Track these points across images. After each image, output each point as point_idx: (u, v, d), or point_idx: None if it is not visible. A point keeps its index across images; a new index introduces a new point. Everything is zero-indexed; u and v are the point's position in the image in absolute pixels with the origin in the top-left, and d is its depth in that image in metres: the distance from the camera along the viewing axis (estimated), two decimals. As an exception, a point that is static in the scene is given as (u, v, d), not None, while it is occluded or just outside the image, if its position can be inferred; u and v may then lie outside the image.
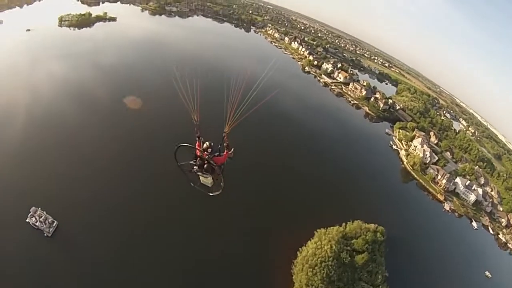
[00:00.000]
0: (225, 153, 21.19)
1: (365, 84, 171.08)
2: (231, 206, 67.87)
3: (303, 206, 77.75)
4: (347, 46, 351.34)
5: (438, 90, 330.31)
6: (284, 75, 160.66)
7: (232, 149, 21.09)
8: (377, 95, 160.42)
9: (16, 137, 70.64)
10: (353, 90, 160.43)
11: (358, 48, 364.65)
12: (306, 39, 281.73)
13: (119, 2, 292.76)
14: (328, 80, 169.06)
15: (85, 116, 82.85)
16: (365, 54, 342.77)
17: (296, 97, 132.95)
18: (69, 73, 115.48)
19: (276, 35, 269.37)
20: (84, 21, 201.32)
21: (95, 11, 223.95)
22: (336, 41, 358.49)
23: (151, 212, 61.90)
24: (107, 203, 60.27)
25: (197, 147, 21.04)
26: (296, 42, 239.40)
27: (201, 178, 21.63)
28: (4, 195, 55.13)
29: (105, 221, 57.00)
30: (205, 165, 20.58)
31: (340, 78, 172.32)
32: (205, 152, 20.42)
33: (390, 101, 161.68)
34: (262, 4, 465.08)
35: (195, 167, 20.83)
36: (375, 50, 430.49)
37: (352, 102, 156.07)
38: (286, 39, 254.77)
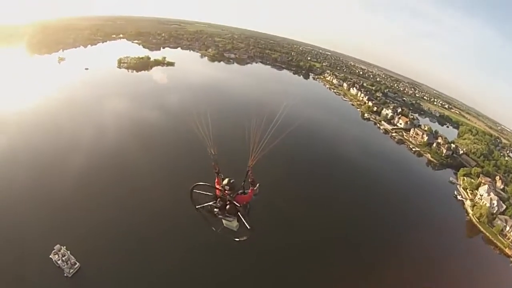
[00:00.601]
0: (250, 190, 19.05)
1: (426, 129, 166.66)
2: (263, 254, 62.46)
3: (354, 261, 68.64)
4: (406, 89, 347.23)
5: (499, 128, 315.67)
6: (343, 122, 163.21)
7: (258, 185, 19.14)
8: (439, 140, 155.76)
9: (63, 170, 75.55)
10: (414, 136, 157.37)
11: (417, 91, 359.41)
12: (364, 84, 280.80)
13: (179, 48, 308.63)
14: (388, 127, 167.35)
15: (132, 155, 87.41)
16: (424, 97, 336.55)
17: (355, 144, 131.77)
18: (117, 109, 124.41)
19: (335, 81, 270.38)
20: (143, 64, 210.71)
21: (155, 55, 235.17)
22: (395, 85, 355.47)
23: (171, 262, 58.46)
24: (130, 251, 58.48)
25: (216, 185, 18.93)
26: (354, 88, 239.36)
27: (224, 221, 19.23)
28: (37, 226, 57.27)
29: (126, 270, 55.73)
30: (228, 206, 18.12)
31: (400, 124, 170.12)
32: (226, 191, 17.97)
33: (453, 145, 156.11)
34: (320, 51, 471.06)
35: (215, 209, 18.44)
36: (434, 92, 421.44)
37: (413, 149, 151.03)
38: (345, 85, 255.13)
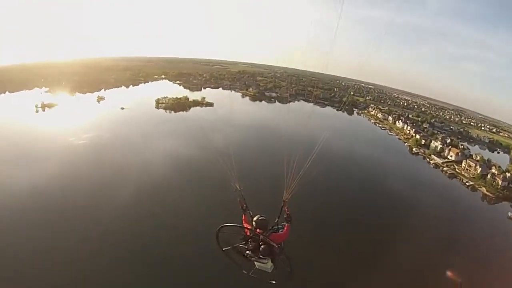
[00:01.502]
0: (285, 227, 18.15)
1: (478, 159, 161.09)
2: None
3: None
4: (452, 117, 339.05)
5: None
6: (390, 157, 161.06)
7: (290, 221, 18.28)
8: (494, 170, 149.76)
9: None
10: (467, 169, 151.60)
11: (463, 117, 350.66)
12: (410, 116, 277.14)
13: (220, 88, 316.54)
14: (439, 161, 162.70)
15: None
16: (471, 123, 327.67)
17: (404, 180, 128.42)
18: (143, 147, 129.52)
19: (379, 115, 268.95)
20: (181, 105, 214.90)
21: (195, 96, 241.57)
22: (441, 113, 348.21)
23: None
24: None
25: (244, 224, 18.14)
26: (400, 121, 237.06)
27: (256, 263, 17.74)
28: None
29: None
30: (262, 247, 16.72)
31: (451, 156, 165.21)
32: (258, 230, 17.08)
33: (508, 174, 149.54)
34: (363, 84, 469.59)
35: (247, 251, 17.14)
36: (480, 116, 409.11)
37: (467, 183, 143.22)
38: (390, 118, 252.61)
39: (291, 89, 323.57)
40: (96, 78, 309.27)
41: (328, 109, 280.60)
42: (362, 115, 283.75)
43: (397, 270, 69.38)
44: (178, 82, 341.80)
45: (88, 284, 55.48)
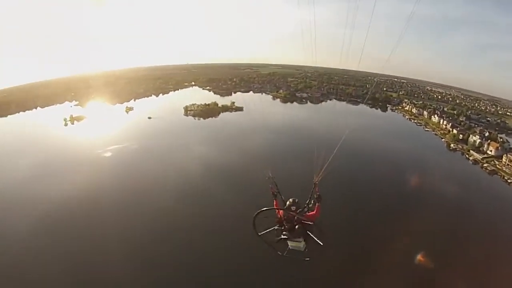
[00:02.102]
0: (317, 206, 19.99)
1: None
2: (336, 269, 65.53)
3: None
4: (488, 107, 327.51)
5: None
6: (428, 155, 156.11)
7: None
8: None
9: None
10: (508, 164, 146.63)
11: (499, 108, 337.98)
12: (445, 109, 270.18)
13: (251, 92, 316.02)
14: (478, 157, 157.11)
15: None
16: (508, 113, 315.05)
17: (443, 178, 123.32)
18: (166, 154, 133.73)
19: (414, 110, 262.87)
20: (210, 111, 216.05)
21: (225, 101, 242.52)
22: (476, 104, 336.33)
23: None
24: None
25: (275, 206, 19.79)
26: (436, 115, 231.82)
27: (289, 243, 19.47)
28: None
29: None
30: (296, 227, 18.64)
31: (491, 151, 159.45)
32: (292, 211, 18.82)
33: None
34: (395, 79, 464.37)
35: (283, 232, 19.05)
36: None
37: (509, 180, 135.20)
38: (425, 113, 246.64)
39: (322, 88, 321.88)
40: (126, 89, 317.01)
41: (361, 106, 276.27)
42: (396, 111, 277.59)
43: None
44: (208, 88, 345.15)
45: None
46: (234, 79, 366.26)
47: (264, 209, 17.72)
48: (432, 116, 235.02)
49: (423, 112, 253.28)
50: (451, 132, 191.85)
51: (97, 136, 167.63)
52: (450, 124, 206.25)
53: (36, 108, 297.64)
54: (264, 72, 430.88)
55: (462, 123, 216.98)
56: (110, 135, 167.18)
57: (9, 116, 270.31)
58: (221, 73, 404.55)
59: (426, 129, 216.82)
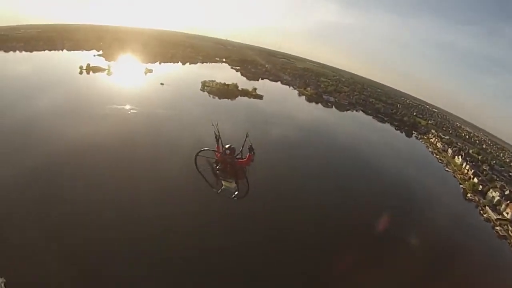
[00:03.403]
0: (248, 155, 22.10)
1: None
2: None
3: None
4: None
5: None
6: (441, 199, 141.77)
7: (253, 152, 21.92)
8: None
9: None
10: None
11: None
12: (470, 151, 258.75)
13: (279, 82, 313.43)
14: (493, 216, 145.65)
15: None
16: None
17: (448, 230, 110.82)
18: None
19: (439, 144, 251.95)
20: (227, 92, 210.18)
21: (248, 85, 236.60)
22: (501, 154, 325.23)
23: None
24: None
25: (216, 149, 22.61)
26: (460, 156, 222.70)
27: (223, 182, 23.17)
28: None
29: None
30: (228, 169, 22.00)
31: (507, 213, 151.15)
32: (227, 154, 21.55)
33: None
34: (428, 106, 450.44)
35: (217, 171, 22.55)
36: None
37: None
38: (450, 150, 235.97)
39: (351, 97, 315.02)
40: (155, 51, 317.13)
41: (387, 126, 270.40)
42: (420, 139, 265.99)
43: None
44: (237, 67, 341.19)
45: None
46: (266, 65, 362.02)
47: (204, 148, 22.67)
48: (456, 156, 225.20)
49: (447, 149, 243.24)
50: (471, 180, 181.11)
51: (102, 92, 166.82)
52: (472, 170, 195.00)
53: (62, 49, 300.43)
54: (300, 66, 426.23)
55: (484, 172, 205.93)
56: (114, 93, 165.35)
57: (34, 52, 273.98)
58: (256, 56, 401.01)
59: (447, 169, 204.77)
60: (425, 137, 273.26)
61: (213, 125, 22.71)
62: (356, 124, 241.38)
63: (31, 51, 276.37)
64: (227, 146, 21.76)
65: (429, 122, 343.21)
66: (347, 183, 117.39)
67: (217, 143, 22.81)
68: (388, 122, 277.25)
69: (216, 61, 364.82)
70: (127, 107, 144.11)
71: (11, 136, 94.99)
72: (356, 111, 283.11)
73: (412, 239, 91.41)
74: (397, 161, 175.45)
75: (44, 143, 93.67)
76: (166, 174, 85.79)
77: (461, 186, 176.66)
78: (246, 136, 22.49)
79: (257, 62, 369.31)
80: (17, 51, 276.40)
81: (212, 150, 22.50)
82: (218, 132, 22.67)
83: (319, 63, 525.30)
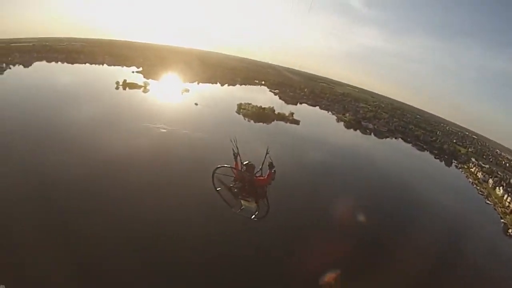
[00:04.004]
0: (268, 173, 21.37)
1: None
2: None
3: None
4: None
5: None
6: (479, 234, 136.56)
7: (274, 169, 21.32)
8: None
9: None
10: None
11: None
12: (511, 181, 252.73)
13: (317, 107, 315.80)
14: None
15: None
16: None
17: (482, 267, 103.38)
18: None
19: (479, 174, 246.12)
20: (263, 116, 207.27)
21: (285, 109, 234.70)
22: None
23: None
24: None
25: (234, 166, 22.02)
26: (501, 188, 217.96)
27: (243, 202, 22.34)
28: None
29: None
30: (247, 187, 21.21)
31: None
32: (246, 173, 21.06)
33: None
34: (467, 133, 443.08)
35: (235, 189, 21.73)
36: None
37: None
38: (490, 181, 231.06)
39: (391, 123, 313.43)
40: (196, 71, 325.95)
41: (426, 154, 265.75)
42: (461, 169, 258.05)
43: None
44: (275, 91, 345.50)
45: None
46: (305, 90, 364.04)
47: (221, 165, 21.56)
48: (497, 187, 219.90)
49: (488, 179, 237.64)
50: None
51: (134, 109, 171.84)
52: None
53: (103, 64, 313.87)
54: (339, 90, 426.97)
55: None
56: (147, 111, 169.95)
57: (75, 64, 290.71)
58: (295, 80, 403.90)
59: (488, 201, 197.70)
60: (466, 167, 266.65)
61: (231, 141, 22.41)
62: (394, 152, 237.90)
63: (72, 63, 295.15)
64: (245, 162, 21.50)
65: (469, 149, 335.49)
66: (383, 215, 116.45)
67: (235, 160, 22.35)
68: (427, 150, 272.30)
69: (255, 84, 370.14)
70: (157, 125, 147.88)
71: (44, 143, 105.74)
72: (395, 138, 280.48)
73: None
74: (437, 193, 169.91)
75: (70, 153, 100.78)
76: (186, 192, 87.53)
77: (502, 220, 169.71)
78: (267, 153, 21.95)
79: (296, 86, 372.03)
80: (59, 62, 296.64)
81: (230, 167, 21.91)
82: (237, 148, 22.29)
83: (359, 88, 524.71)
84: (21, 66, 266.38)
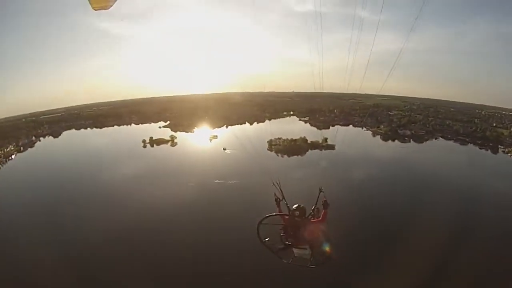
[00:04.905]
0: (323, 212, 19.85)
1: None
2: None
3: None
4: None
5: None
6: None
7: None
8: None
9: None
10: None
11: None
12: None
13: (350, 126, 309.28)
14: None
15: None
16: None
17: None
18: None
19: None
20: (296, 148, 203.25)
21: (318, 136, 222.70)
22: None
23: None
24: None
25: (279, 212, 20.44)
26: None
27: (295, 251, 19.98)
28: None
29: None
30: (300, 233, 19.10)
31: None
32: (296, 216, 19.22)
33: None
34: (504, 112, 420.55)
35: (287, 240, 19.56)
36: None
37: None
38: None
39: (427, 125, 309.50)
40: (223, 114, 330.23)
41: (470, 147, 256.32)
42: (509, 154, 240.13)
43: None
44: (305, 118, 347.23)
45: None
46: (335, 111, 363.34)
47: (268, 215, 19.04)
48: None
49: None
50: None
51: (162, 165, 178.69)
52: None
53: (130, 124, 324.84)
54: (368, 103, 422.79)
55: None
56: (174, 165, 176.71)
57: (104, 128, 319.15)
58: (323, 103, 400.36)
59: None
60: None
61: (273, 184, 21.18)
62: (437, 154, 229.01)
63: (100, 127, 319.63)
64: (295, 206, 19.68)
65: (511, 130, 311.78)
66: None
67: (278, 206, 21.00)
68: (470, 143, 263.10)
69: (283, 116, 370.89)
70: (185, 179, 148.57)
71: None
72: (435, 139, 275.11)
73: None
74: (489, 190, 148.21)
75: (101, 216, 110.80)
76: (227, 251, 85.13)
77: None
78: (320, 191, 20.75)
79: (325, 109, 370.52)
80: (88, 128, 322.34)
81: (278, 215, 20.17)
82: (281, 191, 20.89)
83: (387, 96, 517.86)
84: (50, 137, 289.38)
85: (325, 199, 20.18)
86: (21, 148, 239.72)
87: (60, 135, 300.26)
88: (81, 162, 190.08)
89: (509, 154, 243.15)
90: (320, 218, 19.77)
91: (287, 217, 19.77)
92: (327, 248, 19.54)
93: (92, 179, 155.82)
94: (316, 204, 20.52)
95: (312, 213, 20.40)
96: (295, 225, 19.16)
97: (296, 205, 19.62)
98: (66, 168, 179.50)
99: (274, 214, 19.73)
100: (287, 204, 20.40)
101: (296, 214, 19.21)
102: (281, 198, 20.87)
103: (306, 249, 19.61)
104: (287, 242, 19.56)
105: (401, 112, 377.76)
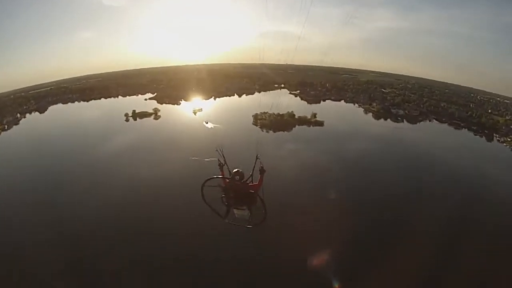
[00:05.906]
0: (259, 178, 21.71)
1: None
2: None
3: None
4: None
5: None
6: None
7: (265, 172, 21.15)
8: None
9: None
10: None
11: None
12: None
13: (342, 101, 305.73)
14: None
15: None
16: None
17: None
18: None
19: None
20: (282, 123, 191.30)
21: (308, 110, 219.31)
22: None
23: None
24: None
25: (221, 175, 21.94)
26: None
27: (235, 211, 22.01)
28: None
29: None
30: (239, 195, 20.89)
31: None
32: (236, 180, 20.79)
33: None
34: (499, 99, 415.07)
35: (228, 200, 21.39)
36: None
37: None
38: None
39: (422, 105, 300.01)
40: (211, 86, 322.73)
41: (465, 132, 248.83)
42: (504, 143, 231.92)
43: None
44: (296, 92, 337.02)
45: None
46: (327, 85, 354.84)
47: (211, 177, 20.73)
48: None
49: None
50: None
51: (139, 140, 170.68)
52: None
53: (117, 96, 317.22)
54: (362, 79, 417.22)
55: None
56: (152, 140, 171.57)
57: (90, 101, 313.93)
58: (317, 77, 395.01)
59: None
60: (509, 139, 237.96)
61: (217, 150, 22.54)
62: (432, 137, 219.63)
63: (87, 101, 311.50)
64: (234, 170, 21.32)
65: (507, 118, 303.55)
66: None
67: (221, 170, 22.42)
68: (465, 128, 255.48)
69: (274, 88, 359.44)
70: (158, 156, 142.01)
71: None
72: (430, 120, 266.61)
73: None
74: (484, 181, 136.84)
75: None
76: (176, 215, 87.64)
77: None
78: (257, 158, 22.26)
79: (318, 83, 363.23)
80: (76, 102, 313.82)
81: (220, 177, 21.43)
82: (224, 157, 22.45)
83: (382, 73, 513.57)
84: (36, 113, 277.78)
85: (261, 166, 21.45)
86: (6, 126, 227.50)
87: (46, 110, 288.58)
88: (60, 139, 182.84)
89: (505, 144, 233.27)
90: (257, 183, 21.48)
91: (228, 180, 21.13)
92: (262, 210, 20.89)
93: (65, 157, 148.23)
94: (253, 170, 21.88)
95: (251, 178, 21.79)
96: (235, 188, 20.73)
97: (236, 169, 21.24)
98: (46, 144, 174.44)
99: (215, 176, 21.14)
100: (228, 169, 21.97)
101: (236, 178, 20.75)
102: (223, 163, 22.36)
103: (245, 210, 21.50)
104: (228, 202, 21.35)
105: (395, 90, 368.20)
